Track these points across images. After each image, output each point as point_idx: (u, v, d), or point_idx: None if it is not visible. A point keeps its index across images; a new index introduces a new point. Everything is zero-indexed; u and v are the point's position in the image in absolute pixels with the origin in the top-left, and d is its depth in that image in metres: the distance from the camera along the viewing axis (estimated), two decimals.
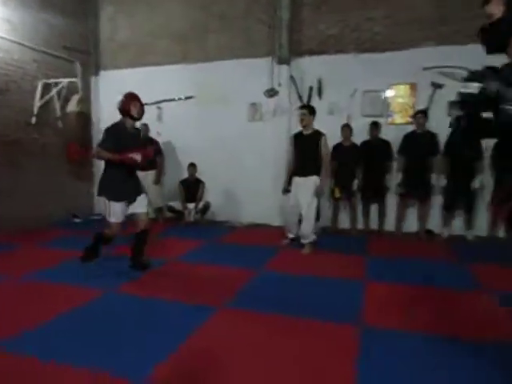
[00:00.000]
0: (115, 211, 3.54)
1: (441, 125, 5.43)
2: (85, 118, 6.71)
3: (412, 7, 5.62)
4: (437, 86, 5.57)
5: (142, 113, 3.63)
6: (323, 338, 2.50)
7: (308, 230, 4.53)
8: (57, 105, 6.36)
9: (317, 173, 4.50)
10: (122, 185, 3.58)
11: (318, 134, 4.59)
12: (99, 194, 3.63)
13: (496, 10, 1.59)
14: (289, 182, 4.73)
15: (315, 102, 6.08)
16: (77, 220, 6.61)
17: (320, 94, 6.09)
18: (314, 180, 4.49)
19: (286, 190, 4.76)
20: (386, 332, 2.57)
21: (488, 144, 5.11)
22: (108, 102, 7.11)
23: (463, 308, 2.99)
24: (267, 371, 2.13)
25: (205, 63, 6.50)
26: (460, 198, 5.26)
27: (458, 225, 5.49)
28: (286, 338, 2.50)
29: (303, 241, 4.60)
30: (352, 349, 2.34)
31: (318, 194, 4.53)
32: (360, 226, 5.80)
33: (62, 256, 4.30)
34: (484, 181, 5.19)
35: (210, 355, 2.29)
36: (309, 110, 4.63)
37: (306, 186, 4.51)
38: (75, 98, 6.38)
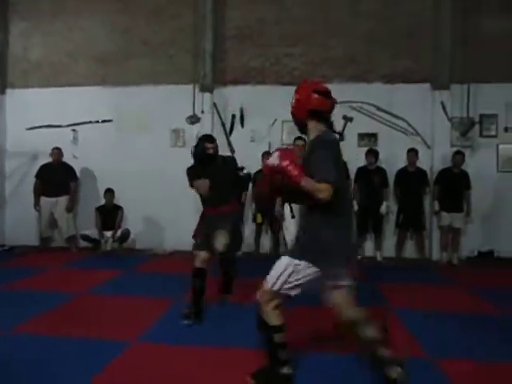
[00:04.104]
0: None
1: (351, 154, 5.92)
2: None
3: (325, 48, 6.15)
4: (348, 120, 6.06)
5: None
6: (242, 365, 2.46)
7: None
8: None
9: None
10: None
11: None
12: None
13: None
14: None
15: (238, 130, 6.27)
16: None
17: (242, 122, 6.27)
18: None
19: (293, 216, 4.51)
20: (299, 355, 2.63)
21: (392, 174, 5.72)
22: (15, 123, 6.61)
23: None
24: None
25: (125, 87, 6.35)
26: (370, 222, 5.68)
27: (369, 247, 5.92)
28: (201, 369, 2.42)
29: None
30: None
31: None
32: (283, 249, 5.95)
33: None
34: (390, 206, 5.70)
35: None
36: (305, 141, 4.61)
37: None
38: None
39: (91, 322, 3.18)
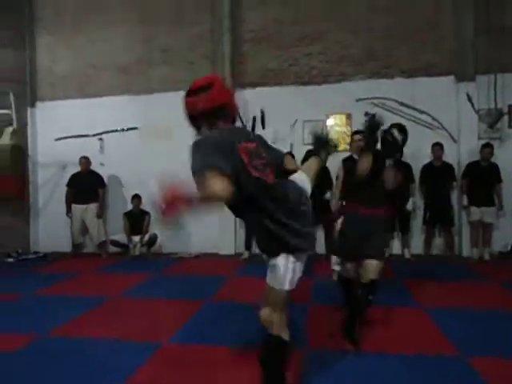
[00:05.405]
0: None
1: None
2: (20, 150, 6.37)
3: (343, 45, 6.10)
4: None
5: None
6: None
7: None
8: None
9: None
10: None
11: None
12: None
13: None
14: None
15: (259, 132, 6.30)
16: (10, 260, 6.14)
17: (263, 123, 6.30)
18: None
19: None
20: (328, 353, 2.63)
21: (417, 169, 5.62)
22: (45, 134, 6.89)
23: (397, 324, 3.14)
24: None
25: (148, 95, 6.52)
26: (396, 220, 5.58)
27: (396, 244, 5.82)
28: (232, 369, 2.46)
29: None
30: (297, 371, 2.36)
31: None
32: None
33: None
34: (416, 203, 5.59)
35: None
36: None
37: None
38: (8, 131, 6.07)
39: (123, 324, 3.27)
